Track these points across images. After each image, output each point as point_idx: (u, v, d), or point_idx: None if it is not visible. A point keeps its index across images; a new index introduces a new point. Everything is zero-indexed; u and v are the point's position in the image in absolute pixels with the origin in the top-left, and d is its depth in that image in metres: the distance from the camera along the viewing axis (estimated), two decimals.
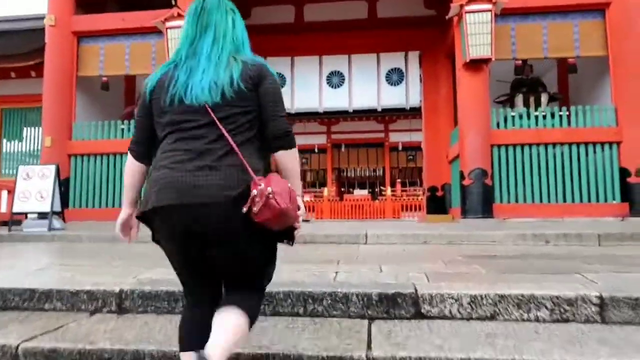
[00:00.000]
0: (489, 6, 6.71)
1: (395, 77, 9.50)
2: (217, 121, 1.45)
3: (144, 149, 1.62)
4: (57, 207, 6.24)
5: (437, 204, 9.13)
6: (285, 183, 1.47)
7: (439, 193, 9.14)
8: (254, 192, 1.39)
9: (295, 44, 9.58)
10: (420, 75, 9.51)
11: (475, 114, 6.99)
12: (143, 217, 1.56)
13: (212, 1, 1.61)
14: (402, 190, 27.30)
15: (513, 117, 7.19)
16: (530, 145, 7.05)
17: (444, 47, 9.17)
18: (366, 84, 9.50)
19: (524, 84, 8.12)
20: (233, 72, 1.49)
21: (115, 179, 7.85)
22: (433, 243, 4.97)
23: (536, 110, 7.77)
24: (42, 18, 8.14)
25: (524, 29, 7.29)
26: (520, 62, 7.46)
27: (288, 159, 1.56)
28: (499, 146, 7.10)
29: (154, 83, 1.57)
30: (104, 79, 8.18)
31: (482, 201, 6.86)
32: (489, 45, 6.71)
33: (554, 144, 7.01)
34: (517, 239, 4.85)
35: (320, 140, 23.50)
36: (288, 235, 1.55)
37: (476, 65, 6.98)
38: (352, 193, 25.00)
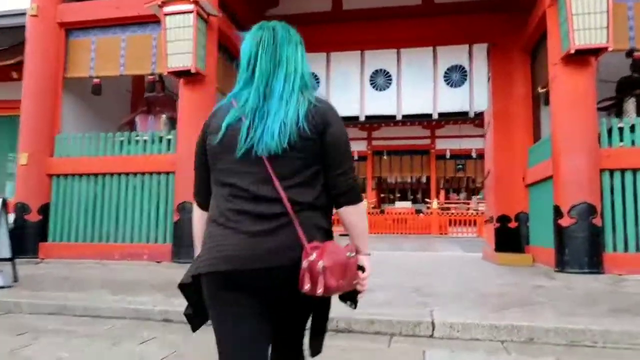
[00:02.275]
0: None
1: (457, 76, 7.57)
2: (275, 177, 1.35)
3: (207, 198, 1.49)
4: (5, 254, 4.70)
5: (509, 238, 7.13)
6: (341, 254, 1.36)
7: (512, 224, 7.14)
8: (304, 264, 1.31)
9: (332, 37, 7.81)
10: (488, 74, 7.53)
11: (577, 126, 5.01)
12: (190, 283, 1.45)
13: (283, 33, 1.52)
14: (449, 201, 25.08)
15: (631, 129, 5.16)
16: None
17: (519, 39, 7.18)
18: (419, 85, 7.61)
19: (637, 83, 6.04)
20: (299, 111, 1.37)
21: (108, 206, 6.30)
22: (544, 342, 3.07)
23: None
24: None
25: None
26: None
27: (354, 215, 1.45)
28: (612, 171, 5.09)
29: (212, 121, 1.46)
30: (96, 80, 6.66)
31: (588, 249, 4.88)
32: (604, 30, 4.73)
33: None
34: None
35: (360, 146, 21.63)
36: (351, 297, 1.50)
37: (581, 58, 5.01)
38: (394, 204, 23.03)
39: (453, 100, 7.54)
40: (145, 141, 6.43)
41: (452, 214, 20.00)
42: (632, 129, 5.15)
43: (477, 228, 19.16)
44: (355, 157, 21.50)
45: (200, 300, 1.46)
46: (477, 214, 19.79)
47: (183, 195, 5.69)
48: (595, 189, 4.93)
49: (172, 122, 6.68)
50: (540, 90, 6.73)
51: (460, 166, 21.35)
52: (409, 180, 22.95)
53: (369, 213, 20.10)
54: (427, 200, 21.70)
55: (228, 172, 1.40)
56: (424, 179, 23.62)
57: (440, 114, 7.68)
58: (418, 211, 20.64)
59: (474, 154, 20.74)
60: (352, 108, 7.75)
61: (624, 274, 4.83)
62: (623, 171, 5.05)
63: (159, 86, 7.26)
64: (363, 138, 21.77)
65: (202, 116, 5.48)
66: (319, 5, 8.03)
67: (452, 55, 7.59)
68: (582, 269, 4.82)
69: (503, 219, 7.22)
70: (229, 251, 1.35)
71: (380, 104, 7.69)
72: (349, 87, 7.79)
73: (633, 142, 5.13)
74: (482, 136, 21.35)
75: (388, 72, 7.74)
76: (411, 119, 20.22)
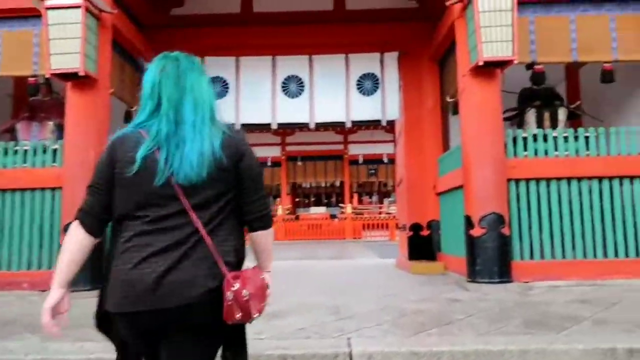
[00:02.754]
0: None
1: (369, 84, 7.51)
2: (191, 207, 1.36)
3: (98, 223, 1.45)
4: None
5: (421, 246, 7.18)
6: (260, 279, 1.45)
7: (424, 232, 7.20)
8: (229, 295, 1.33)
9: (242, 41, 7.43)
10: (399, 83, 7.56)
11: (485, 138, 5.09)
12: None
13: (186, 62, 1.52)
14: (362, 206, 25.52)
15: (533, 139, 5.33)
16: (559, 179, 5.22)
17: (429, 48, 7.28)
18: (332, 93, 7.46)
19: (537, 95, 6.32)
20: (214, 143, 1.40)
21: None
22: None
23: (553, 129, 6.00)
24: None
25: (546, 22, 5.48)
26: (542, 67, 5.63)
27: (264, 238, 1.54)
28: (518, 181, 5.22)
29: (119, 150, 1.41)
30: None
31: (498, 258, 4.95)
32: (509, 43, 4.83)
33: (591, 179, 5.21)
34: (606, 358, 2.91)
35: (274, 152, 21.33)
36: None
37: (488, 70, 5.09)
38: (309, 209, 22.97)
39: (366, 108, 7.46)
40: (26, 151, 5.62)
41: (366, 218, 20.32)
42: (535, 139, 5.33)
43: (390, 232, 19.64)
44: (269, 164, 21.16)
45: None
46: (389, 217, 20.28)
47: (70, 214, 4.99)
48: (503, 199, 5.02)
49: (61, 130, 5.92)
50: (448, 99, 6.85)
51: (373, 171, 21.78)
52: (323, 184, 23.00)
53: (283, 219, 19.83)
54: (341, 205, 21.88)
55: (143, 204, 1.38)
56: (337, 184, 23.84)
57: (354, 122, 7.58)
58: (333, 216, 20.74)
59: (385, 159, 21.26)
60: (264, 116, 7.42)
61: (530, 282, 4.95)
62: (528, 181, 5.21)
63: (45, 89, 6.43)
64: (277, 143, 21.49)
65: (92, 124, 4.82)
66: (228, 6, 7.60)
67: (365, 63, 7.52)
68: (492, 279, 4.88)
69: (415, 227, 7.26)
70: (141, 289, 1.32)
71: (293, 111, 7.42)
72: (260, 94, 7.44)
73: (536, 152, 5.31)
74: (392, 141, 21.98)
75: (300, 79, 7.50)
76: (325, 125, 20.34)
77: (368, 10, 7.64)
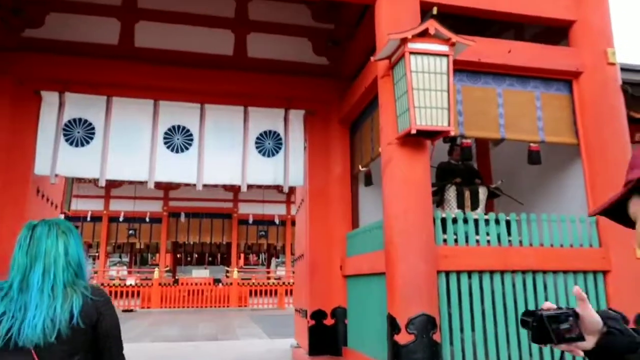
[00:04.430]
0: (444, 48, 4.15)
1: (270, 143, 6.45)
2: None
3: None
4: None
5: (324, 337, 6.03)
6: None
7: (328, 321, 6.08)
8: None
9: (117, 78, 6.03)
10: (304, 145, 6.61)
11: (413, 218, 4.20)
12: None
13: (42, 229, 1.60)
14: (249, 267, 23.88)
15: (454, 221, 4.58)
16: (492, 272, 4.46)
17: (339, 109, 6.50)
18: (226, 150, 6.26)
19: (457, 171, 5.72)
20: (74, 308, 1.47)
21: None
22: None
23: (473, 209, 5.38)
24: None
25: (474, 93, 4.92)
26: (469, 141, 5.01)
27: None
28: (448, 273, 4.36)
29: None
30: None
31: None
32: (445, 111, 4.08)
33: (525, 272, 4.53)
34: None
35: (154, 207, 19.20)
36: None
37: (418, 140, 4.30)
38: (190, 272, 20.81)
39: (265, 171, 6.36)
40: None
41: (253, 284, 18.76)
42: (455, 221, 4.58)
43: (279, 299, 18.27)
44: (147, 219, 18.99)
45: None
46: (279, 283, 18.97)
47: None
48: (433, 295, 4.11)
49: None
50: (361, 169, 6.03)
51: (263, 233, 20.50)
52: (208, 242, 21.13)
53: (160, 284, 17.53)
54: (227, 269, 20.10)
55: None
56: (225, 244, 22.11)
57: (250, 186, 6.40)
58: (217, 280, 18.87)
59: (276, 220, 20.19)
60: (139, 171, 5.95)
61: None
62: (459, 273, 4.37)
63: None
64: (158, 198, 19.43)
65: None
66: (102, 35, 6.20)
67: (266, 118, 6.49)
68: None
69: (318, 315, 6.11)
70: None
71: (176, 168, 6.06)
72: (135, 144, 5.99)
73: (477, 241, 4.54)
74: (285, 202, 21.09)
75: (188, 131, 6.21)
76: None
77: (273, 60, 6.73)
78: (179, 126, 6.18)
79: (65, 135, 5.83)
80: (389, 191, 4.38)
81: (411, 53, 4.10)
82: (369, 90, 5.39)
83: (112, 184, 18.49)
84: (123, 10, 6.36)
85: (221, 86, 6.35)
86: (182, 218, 19.62)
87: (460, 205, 5.47)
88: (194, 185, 6.14)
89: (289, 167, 6.44)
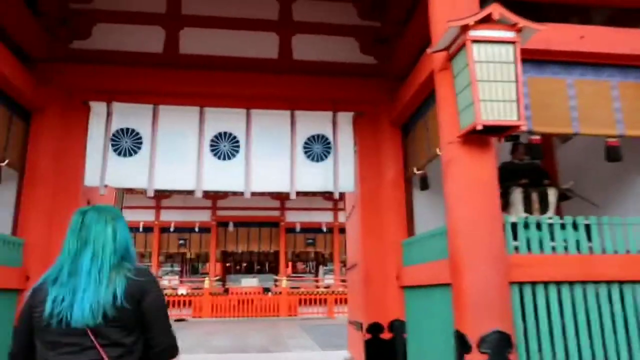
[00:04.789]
0: (511, 34, 3.74)
1: (319, 148, 6.18)
2: (98, 346, 1.48)
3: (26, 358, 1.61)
4: None
5: (382, 353, 5.65)
6: None
7: (385, 334, 5.70)
8: None
9: (163, 86, 5.95)
10: (354, 149, 6.30)
11: (481, 223, 3.79)
12: None
13: (92, 215, 1.68)
14: (297, 275, 23.71)
15: (535, 227, 4.11)
16: (571, 283, 3.97)
17: (390, 110, 6.15)
18: (274, 155, 6.04)
19: (522, 171, 5.24)
20: (117, 290, 1.53)
21: None
22: None
23: (542, 213, 4.90)
24: None
25: (541, 85, 4.46)
26: (539, 138, 4.53)
27: None
28: (521, 285, 3.91)
29: (35, 297, 1.59)
30: None
31: None
32: (513, 104, 3.67)
33: (610, 282, 4.01)
34: None
35: (203, 217, 19.38)
36: None
37: (482, 138, 3.90)
38: (240, 280, 20.85)
39: (314, 177, 6.08)
40: None
41: (302, 292, 18.53)
42: (538, 226, 4.11)
43: (328, 308, 17.97)
44: (197, 229, 19.21)
45: None
46: (328, 292, 18.68)
47: None
48: (507, 310, 3.68)
49: None
50: (415, 172, 5.65)
51: (311, 241, 20.28)
52: (256, 250, 21.12)
53: (210, 294, 17.62)
54: (276, 278, 19.99)
55: (52, 345, 1.52)
56: (273, 252, 22.05)
57: (299, 193, 6.14)
58: (266, 289, 18.77)
59: (324, 228, 19.94)
60: (186, 181, 5.82)
61: None
62: (534, 284, 3.91)
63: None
64: (207, 207, 19.62)
65: None
66: (147, 44, 6.15)
67: (314, 122, 6.23)
68: None
69: (375, 328, 5.74)
70: None
71: (223, 177, 5.89)
72: (182, 153, 5.87)
73: (554, 249, 4.06)
74: (332, 210, 20.80)
75: (235, 137, 6.04)
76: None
77: (318, 62, 6.48)
78: (225, 133, 6.02)
79: (113, 145, 5.78)
80: (451, 194, 3.99)
81: (473, 41, 3.72)
82: (423, 88, 5.03)
83: (161, 195, 18.82)
84: (167, 18, 6.30)
85: (267, 90, 6.15)
86: (231, 227, 19.71)
87: (528, 208, 5.02)
88: (242, 193, 5.95)
89: (339, 172, 6.14)
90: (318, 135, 6.20)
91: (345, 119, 6.32)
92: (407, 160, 6.05)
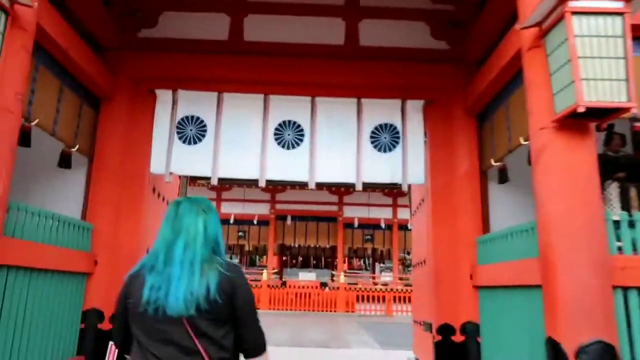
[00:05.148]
0: (618, 4, 3.27)
1: (386, 137, 5.86)
2: (193, 336, 1.53)
3: (124, 345, 1.69)
4: None
5: (453, 356, 5.27)
6: None
7: (457, 337, 5.31)
8: None
9: (228, 74, 5.85)
10: (424, 139, 5.93)
11: (578, 219, 3.35)
12: None
13: (185, 206, 1.72)
14: (354, 272, 23.45)
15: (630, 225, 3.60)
16: None
17: (464, 97, 5.72)
18: (339, 145, 5.79)
19: (617, 164, 4.68)
20: (210, 283, 1.57)
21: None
22: None
23: None
24: None
25: None
26: None
27: None
28: (626, 290, 3.43)
29: (132, 284, 1.65)
30: None
31: None
32: (623, 83, 3.20)
33: None
34: None
35: (262, 210, 19.52)
36: None
37: (579, 123, 3.45)
38: (297, 274, 20.86)
39: (382, 168, 5.77)
40: None
41: (360, 289, 18.24)
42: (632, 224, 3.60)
43: (386, 306, 17.58)
44: (255, 222, 19.35)
45: None
46: (386, 289, 18.29)
47: None
48: (610, 318, 3.22)
49: None
50: (493, 164, 5.21)
51: (369, 237, 19.93)
52: (313, 245, 21.04)
53: (268, 286, 17.71)
54: (333, 273, 19.83)
55: (147, 332, 1.57)
56: (330, 247, 21.93)
57: (365, 185, 5.85)
58: (323, 284, 18.64)
59: (382, 224, 19.54)
60: (250, 169, 5.68)
61: None
62: None
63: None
64: (266, 200, 19.73)
65: None
66: (212, 32, 6.06)
67: (382, 111, 5.91)
68: None
69: (445, 330, 5.37)
70: None
71: (287, 166, 5.71)
72: (246, 141, 5.75)
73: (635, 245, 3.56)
74: (391, 206, 20.35)
75: (299, 126, 5.84)
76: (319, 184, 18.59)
77: (387, 47, 6.14)
78: (289, 121, 5.83)
79: (178, 133, 5.74)
80: (543, 186, 3.56)
81: (573, 13, 3.27)
82: (505, 71, 4.60)
83: (222, 187, 19.13)
84: (232, 5, 6.18)
85: (332, 77, 5.90)
86: (289, 221, 19.73)
87: (625, 205, 4.47)
88: (305, 185, 5.74)
89: (408, 163, 5.79)
90: (386, 125, 5.87)
91: (415, 107, 5.95)
92: (483, 151, 5.61)
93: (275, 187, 19.20)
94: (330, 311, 17.42)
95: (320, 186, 19.80)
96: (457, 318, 5.33)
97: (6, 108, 3.50)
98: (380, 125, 5.86)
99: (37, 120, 4.36)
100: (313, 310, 17.28)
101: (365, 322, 14.94)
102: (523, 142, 4.39)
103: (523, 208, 5.43)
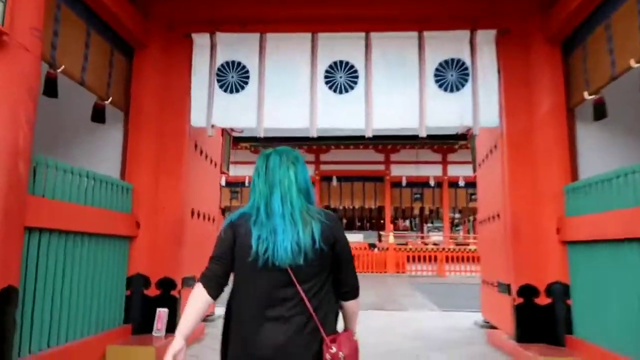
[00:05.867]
0: None
1: (453, 75, 5.10)
2: (297, 284, 1.59)
3: (219, 287, 1.70)
4: None
5: (536, 321, 4.63)
6: (352, 341, 1.67)
7: (541, 299, 4.65)
8: (327, 356, 1.57)
9: (270, 12, 5.20)
10: (498, 75, 5.12)
11: None
12: None
13: (274, 159, 1.73)
14: (401, 232, 22.86)
15: None
16: None
17: (543, 25, 4.86)
18: (399, 87, 5.08)
19: None
20: (314, 233, 1.62)
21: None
22: None
23: None
24: None
25: None
26: None
27: (355, 307, 1.80)
28: None
29: (237, 229, 1.67)
30: None
31: None
32: None
33: None
34: None
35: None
36: None
37: None
38: None
39: (448, 109, 5.04)
40: None
41: (410, 249, 17.67)
42: None
43: (438, 266, 16.99)
44: None
45: None
46: (438, 249, 17.66)
47: None
48: None
49: None
50: (587, 97, 4.38)
51: (418, 195, 19.18)
52: (360, 206, 20.53)
53: None
54: (381, 234, 19.31)
55: (253, 279, 1.62)
56: (376, 208, 21.37)
57: (429, 134, 5.13)
58: (372, 245, 18.15)
59: (432, 182, 18.72)
60: (298, 118, 5.08)
61: None
62: None
63: None
64: (310, 162, 19.22)
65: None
66: None
67: (447, 44, 5.13)
68: None
69: (527, 291, 4.71)
70: (257, 349, 1.58)
71: (340, 112, 5.06)
72: (293, 87, 5.12)
73: None
74: (441, 163, 19.45)
75: (352, 67, 5.15)
76: (356, 141, 17.85)
77: None
78: (341, 62, 5.15)
79: (219, 81, 5.19)
80: None
81: None
82: None
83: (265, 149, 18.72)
84: None
85: (389, 9, 5.15)
86: (334, 182, 19.21)
87: None
88: (362, 132, 5.09)
89: (479, 104, 5.03)
90: (452, 60, 5.09)
91: (486, 38, 5.13)
92: (571, 85, 4.78)
93: (319, 147, 18.62)
94: (380, 272, 17.00)
95: (365, 144, 19.11)
96: (541, 278, 4.66)
97: (21, 45, 3.00)
98: (446, 62, 5.09)
99: (62, 67, 3.89)
100: (362, 272, 16.88)
101: (418, 282, 14.41)
102: (634, 65, 3.57)
103: (620, 150, 4.63)
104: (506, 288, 5.00)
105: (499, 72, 5.11)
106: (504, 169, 5.05)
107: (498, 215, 5.37)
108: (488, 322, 6.23)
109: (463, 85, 5.05)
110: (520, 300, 4.71)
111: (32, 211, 3.16)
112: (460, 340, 5.63)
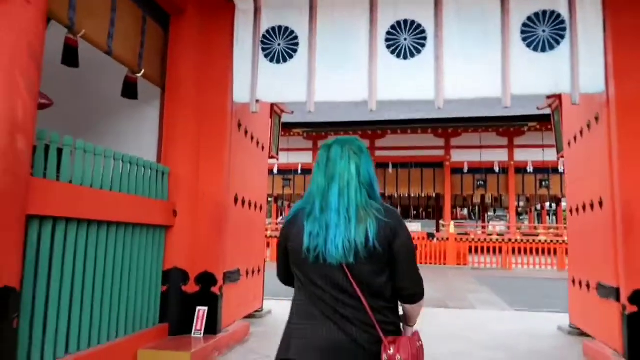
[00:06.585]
0: None
1: (546, 31, 4.16)
2: (353, 282, 1.51)
3: (288, 281, 1.72)
4: None
5: None
6: (413, 346, 1.54)
7: None
8: (384, 357, 1.49)
9: None
10: (603, 32, 4.14)
11: None
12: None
13: (336, 150, 1.65)
14: (459, 223, 21.63)
15: None
16: None
17: None
18: (476, 49, 4.22)
19: None
20: (369, 231, 1.52)
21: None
22: None
23: None
24: None
25: None
26: None
27: (416, 310, 1.67)
28: None
29: (290, 228, 1.63)
30: None
31: None
32: None
33: None
34: None
35: None
36: None
37: None
38: None
39: (539, 72, 4.12)
40: None
41: (473, 240, 16.56)
42: None
43: (503, 258, 15.81)
44: None
45: None
46: (503, 240, 16.45)
47: None
48: None
49: None
50: None
51: (481, 182, 17.94)
52: (417, 194, 19.55)
53: None
54: (442, 223, 18.27)
55: (309, 276, 1.56)
56: (435, 196, 20.31)
57: (514, 100, 4.23)
58: (430, 235, 17.19)
59: (496, 168, 17.44)
60: (355, 89, 4.33)
61: None
62: None
63: None
64: None
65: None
66: None
67: None
68: None
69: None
70: (313, 349, 1.51)
71: (405, 80, 4.27)
72: (349, 53, 4.38)
73: None
74: (506, 147, 18.08)
75: (420, 26, 4.33)
76: (413, 125, 16.84)
77: None
78: (405, 21, 4.34)
79: (264, 49, 4.53)
80: None
81: None
82: None
83: (318, 135, 18.11)
84: None
85: None
86: (390, 169, 18.31)
87: None
88: (432, 103, 4.28)
89: (579, 65, 4.08)
90: (544, 13, 4.16)
91: None
92: None
93: (374, 132, 17.76)
94: (439, 264, 16.03)
95: (424, 129, 18.04)
96: None
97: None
98: (536, 15, 4.17)
99: (83, 32, 3.35)
100: (421, 263, 15.98)
101: (482, 276, 13.38)
102: None
103: None
104: (612, 292, 4.06)
105: (604, 24, 4.13)
106: (611, 145, 4.08)
107: (600, 203, 4.40)
108: (578, 329, 5.30)
109: (558, 43, 4.11)
110: (634, 308, 3.77)
111: (39, 197, 2.63)
112: (549, 352, 4.73)
